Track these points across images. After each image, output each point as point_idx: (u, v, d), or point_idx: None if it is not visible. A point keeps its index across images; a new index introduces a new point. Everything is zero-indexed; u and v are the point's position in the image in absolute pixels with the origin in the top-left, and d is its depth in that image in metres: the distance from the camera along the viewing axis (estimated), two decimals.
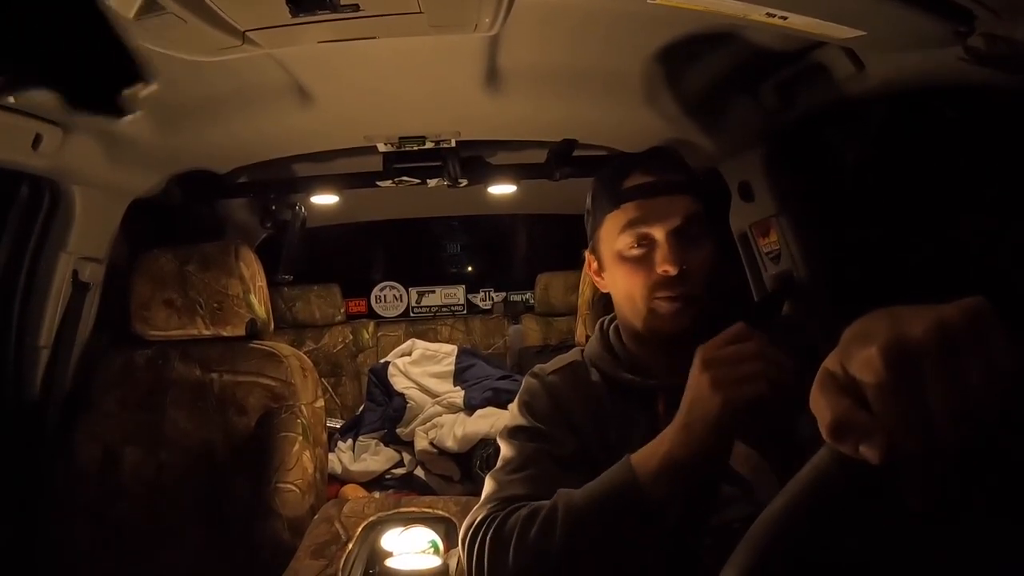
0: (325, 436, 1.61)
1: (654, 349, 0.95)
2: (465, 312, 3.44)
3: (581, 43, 1.18)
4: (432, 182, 1.76)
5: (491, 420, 2.16)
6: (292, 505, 1.42)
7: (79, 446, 1.49)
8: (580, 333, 1.39)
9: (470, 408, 2.31)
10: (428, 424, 2.30)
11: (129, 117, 1.34)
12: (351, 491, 2.08)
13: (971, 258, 1.26)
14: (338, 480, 2.15)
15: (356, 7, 0.87)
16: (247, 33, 0.92)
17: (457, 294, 3.46)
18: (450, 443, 2.14)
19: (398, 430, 2.34)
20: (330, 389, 3.06)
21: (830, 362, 0.40)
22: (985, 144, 1.19)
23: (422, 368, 2.58)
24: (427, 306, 3.43)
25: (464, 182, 1.76)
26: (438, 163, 1.69)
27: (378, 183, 1.76)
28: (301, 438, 1.48)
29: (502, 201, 2.47)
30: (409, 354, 2.70)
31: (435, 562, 1.17)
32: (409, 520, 1.32)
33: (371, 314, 3.37)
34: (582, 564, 0.73)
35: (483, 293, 3.52)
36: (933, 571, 0.48)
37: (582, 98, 1.38)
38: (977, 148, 1.22)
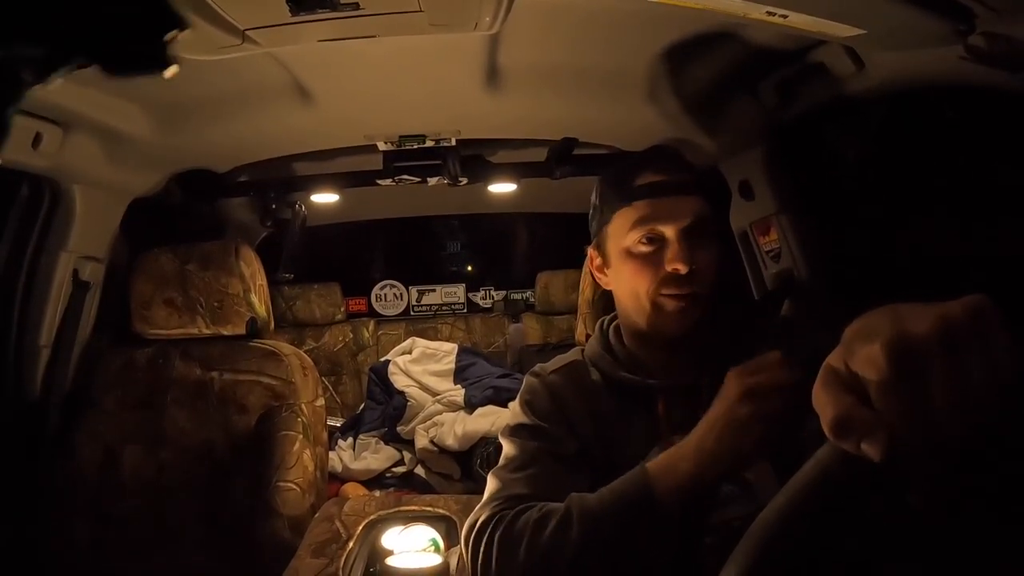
0: (325, 435, 1.61)
1: (655, 348, 0.95)
2: (465, 311, 3.44)
3: (581, 42, 1.18)
4: (432, 181, 1.76)
5: (491, 418, 2.17)
6: (293, 504, 1.42)
7: (80, 445, 1.49)
8: (580, 332, 1.39)
9: (470, 406, 2.31)
10: (428, 422, 2.30)
11: (129, 116, 1.34)
12: (351, 490, 2.08)
13: (971, 256, 1.26)
14: (338, 479, 2.15)
15: (356, 6, 0.86)
16: (247, 32, 0.92)
17: (457, 293, 3.46)
18: (450, 441, 2.14)
19: (398, 428, 2.34)
20: (330, 388, 3.06)
21: (833, 359, 0.40)
22: (985, 143, 1.19)
23: (422, 366, 2.59)
24: (427, 305, 3.43)
25: (464, 181, 1.76)
26: (438, 162, 1.69)
27: (378, 182, 1.76)
28: (301, 437, 1.48)
29: (502, 200, 2.47)
30: (409, 352, 2.70)
31: (436, 560, 1.17)
32: (409, 518, 1.32)
33: (371, 313, 3.37)
34: (593, 567, 0.73)
35: (483, 292, 3.52)
36: (934, 570, 0.48)
37: (582, 97, 1.38)
38: (977, 147, 1.22)
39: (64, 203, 1.49)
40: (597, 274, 1.02)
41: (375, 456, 2.24)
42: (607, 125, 1.56)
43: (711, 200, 0.94)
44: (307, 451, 1.48)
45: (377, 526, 1.32)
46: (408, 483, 2.17)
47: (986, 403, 0.36)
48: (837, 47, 1.04)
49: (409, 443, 2.30)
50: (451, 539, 1.25)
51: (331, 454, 2.17)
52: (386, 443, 2.31)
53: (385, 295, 3.42)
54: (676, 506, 0.71)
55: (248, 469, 1.46)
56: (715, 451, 0.69)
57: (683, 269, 0.87)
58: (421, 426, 2.30)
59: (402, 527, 1.26)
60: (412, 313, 3.42)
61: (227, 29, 0.90)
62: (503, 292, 3.48)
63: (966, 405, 0.36)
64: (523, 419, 0.95)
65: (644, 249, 0.90)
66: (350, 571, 1.20)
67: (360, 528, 1.30)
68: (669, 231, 0.89)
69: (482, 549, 0.79)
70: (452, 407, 2.35)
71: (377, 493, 2.05)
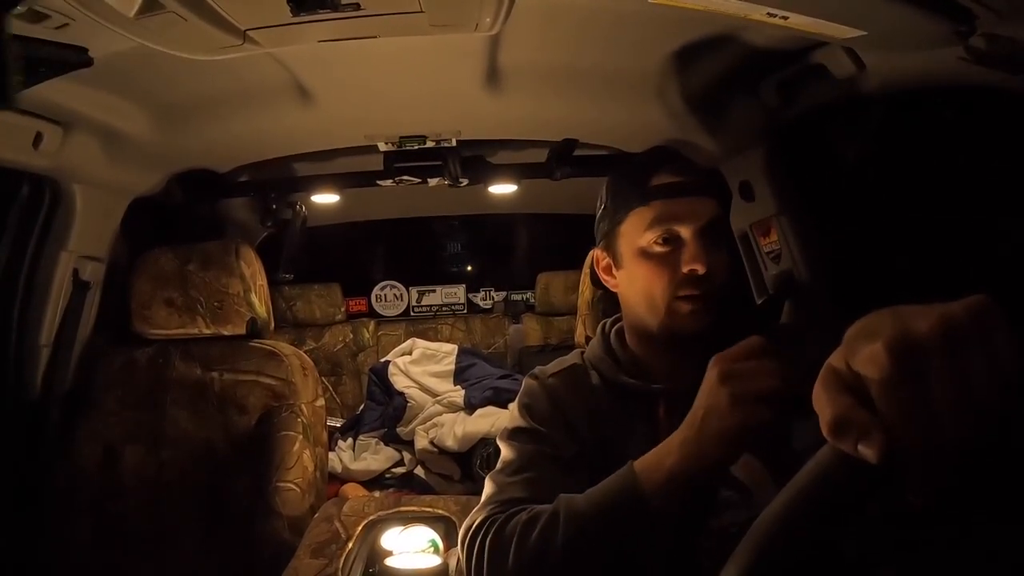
0: (325, 435, 1.61)
1: (662, 350, 0.95)
2: (465, 311, 3.43)
3: (582, 43, 1.18)
4: (433, 181, 1.76)
5: (491, 419, 2.17)
6: (292, 504, 1.42)
7: (80, 445, 1.49)
8: (580, 333, 1.39)
9: (470, 407, 2.31)
10: (428, 423, 2.30)
11: (130, 115, 1.34)
12: (351, 490, 2.08)
13: (972, 257, 1.25)
14: (338, 479, 2.15)
15: (357, 6, 0.86)
16: (248, 32, 0.92)
17: (457, 293, 3.46)
18: (450, 442, 2.14)
19: (398, 429, 2.34)
20: (330, 388, 3.06)
21: (834, 359, 0.40)
22: (986, 144, 1.19)
23: (422, 367, 2.59)
24: (427, 305, 3.43)
25: (465, 181, 1.76)
26: (439, 162, 1.69)
27: (379, 182, 1.77)
28: (301, 437, 1.48)
29: (503, 200, 2.47)
30: (409, 353, 2.70)
31: (435, 561, 1.17)
32: (409, 519, 1.32)
33: (371, 313, 3.37)
34: (582, 569, 0.72)
35: (484, 292, 3.52)
36: (933, 571, 0.48)
37: (583, 97, 1.38)
38: (978, 148, 1.21)
39: (64, 203, 1.49)
40: (604, 276, 1.01)
41: (375, 457, 2.24)
42: (607, 126, 1.56)
43: (722, 201, 0.94)
44: (307, 451, 1.48)
45: (376, 527, 1.32)
46: (408, 484, 2.18)
47: (987, 403, 0.36)
48: (837, 48, 1.04)
49: (409, 444, 2.30)
50: (450, 540, 1.25)
51: (331, 455, 2.17)
52: (386, 444, 2.31)
53: (385, 296, 3.42)
54: (665, 503, 0.70)
55: (248, 469, 1.46)
56: (699, 440, 0.68)
57: (701, 269, 0.86)
58: (421, 427, 2.30)
59: (401, 528, 1.26)
60: (412, 314, 3.42)
61: (228, 29, 0.90)
62: (503, 293, 3.48)
63: (967, 405, 0.36)
64: (521, 423, 0.94)
65: (660, 249, 0.90)
66: (349, 571, 1.20)
67: (359, 529, 1.30)
68: (686, 231, 0.89)
69: (475, 552, 0.79)
70: (452, 408, 2.35)
71: (377, 494, 2.05)
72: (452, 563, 1.16)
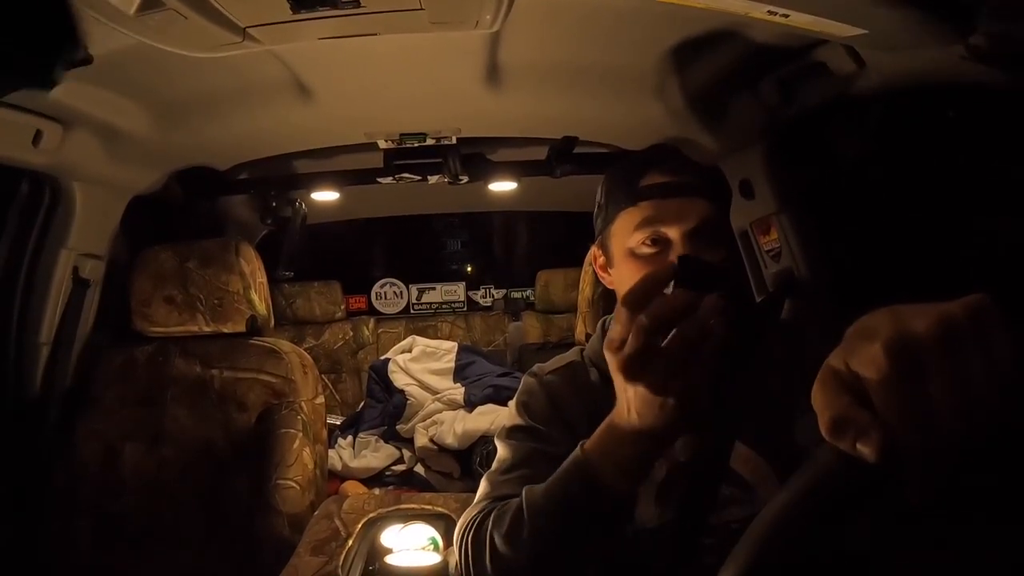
0: (325, 433, 1.61)
1: None
2: (465, 309, 3.44)
3: (582, 40, 1.18)
4: (433, 179, 1.76)
5: (491, 417, 2.17)
6: (292, 501, 1.43)
7: (80, 443, 1.49)
8: (580, 331, 1.39)
9: (470, 405, 2.31)
10: (428, 421, 2.31)
11: (130, 113, 1.34)
12: (351, 488, 2.08)
13: (972, 256, 1.25)
14: (338, 477, 2.15)
15: (357, 3, 0.86)
16: (248, 29, 0.91)
17: (457, 291, 3.46)
18: (450, 440, 2.15)
19: (398, 427, 2.35)
20: (330, 386, 3.06)
21: (833, 359, 0.40)
22: (986, 143, 1.19)
23: (422, 365, 2.59)
24: (427, 303, 3.43)
25: (465, 179, 1.76)
26: (439, 160, 1.69)
27: (379, 180, 1.77)
28: (301, 434, 1.48)
29: (503, 198, 2.47)
30: (409, 351, 2.70)
31: (435, 559, 1.17)
32: (409, 517, 1.32)
33: (371, 311, 3.38)
34: (552, 556, 0.72)
35: (483, 290, 3.52)
36: (932, 571, 0.48)
37: (583, 95, 1.38)
38: (978, 147, 1.21)
39: (64, 200, 1.49)
40: (600, 272, 1.02)
41: (375, 454, 2.24)
42: (608, 123, 1.55)
43: (718, 201, 0.93)
44: (307, 449, 1.48)
45: (376, 524, 1.32)
46: (408, 481, 2.18)
47: (985, 402, 0.36)
48: (838, 46, 1.04)
49: (409, 441, 2.30)
50: (450, 537, 1.25)
51: (331, 452, 2.17)
52: (386, 441, 2.32)
53: (385, 293, 3.43)
54: (610, 470, 0.68)
55: (248, 467, 1.46)
56: (624, 399, 0.64)
57: None
58: (421, 424, 2.30)
59: (401, 525, 1.26)
60: (412, 311, 3.42)
61: (228, 26, 0.90)
62: (503, 290, 3.48)
63: (966, 404, 0.36)
64: (519, 421, 0.94)
65: (648, 251, 0.89)
66: (349, 569, 1.20)
67: (359, 526, 1.30)
68: (674, 233, 0.88)
69: (461, 550, 0.79)
70: (452, 405, 2.35)
71: (376, 491, 2.05)
72: (452, 561, 1.16)
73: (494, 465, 0.92)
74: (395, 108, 1.45)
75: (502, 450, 0.92)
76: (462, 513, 0.86)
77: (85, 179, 1.49)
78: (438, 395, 2.41)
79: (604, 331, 1.03)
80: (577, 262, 1.65)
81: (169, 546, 1.43)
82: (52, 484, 1.46)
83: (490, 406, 2.26)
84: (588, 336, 1.09)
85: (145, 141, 1.44)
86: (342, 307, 3.20)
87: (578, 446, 0.73)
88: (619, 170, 0.97)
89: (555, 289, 3.02)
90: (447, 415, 2.29)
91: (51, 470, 1.47)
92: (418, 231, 4.00)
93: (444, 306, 3.43)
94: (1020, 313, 0.38)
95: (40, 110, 1.24)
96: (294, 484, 1.44)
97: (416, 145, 1.62)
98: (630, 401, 0.63)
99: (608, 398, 0.94)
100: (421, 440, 2.23)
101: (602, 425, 0.70)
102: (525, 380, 1.01)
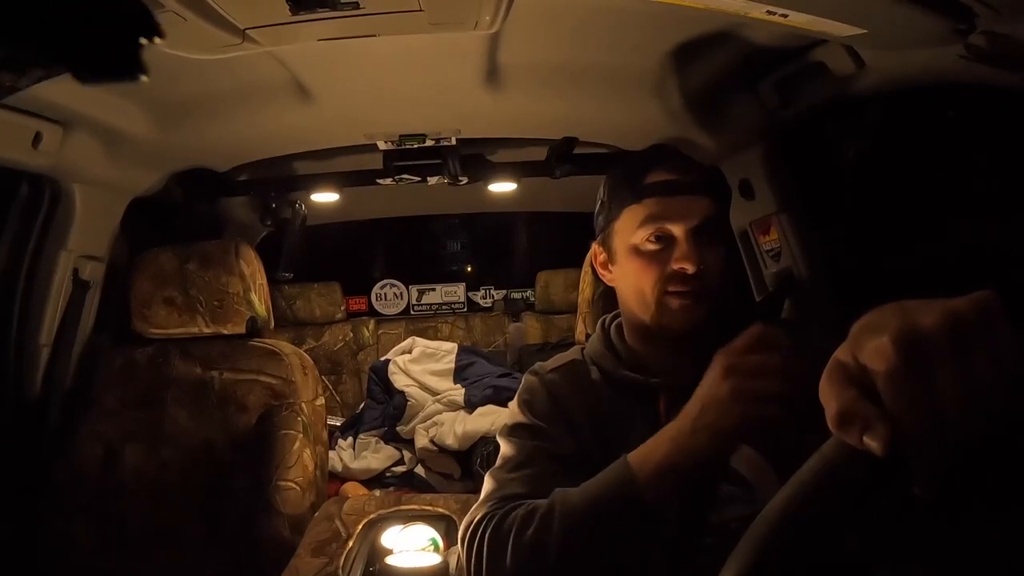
0: (325, 434, 1.61)
1: (658, 346, 0.95)
2: (465, 310, 3.43)
3: (582, 40, 1.18)
4: (432, 180, 1.76)
5: (491, 418, 2.17)
6: (293, 503, 1.43)
7: (80, 444, 1.49)
8: (580, 331, 1.39)
9: (470, 406, 2.31)
10: (428, 422, 2.30)
11: (129, 115, 1.34)
12: (351, 489, 2.08)
13: (971, 255, 1.26)
14: (338, 478, 2.15)
15: (356, 5, 0.86)
16: (247, 31, 0.92)
17: (457, 292, 3.45)
18: (450, 441, 2.14)
19: (398, 428, 2.34)
20: (330, 387, 3.06)
21: (840, 353, 0.41)
22: (986, 142, 1.19)
23: (422, 366, 2.58)
24: (427, 304, 3.43)
25: (464, 180, 1.76)
26: (438, 161, 1.69)
27: (378, 181, 1.77)
28: (302, 436, 1.48)
29: (502, 199, 2.47)
30: (409, 352, 2.70)
31: (435, 560, 1.17)
32: (409, 518, 1.32)
33: (371, 312, 3.37)
34: (579, 563, 0.73)
35: (483, 291, 3.51)
36: (937, 567, 0.48)
37: (583, 95, 1.38)
38: (977, 146, 1.22)
39: (64, 202, 1.49)
40: (601, 270, 1.02)
41: (375, 455, 2.24)
42: (607, 124, 1.56)
43: (720, 200, 0.94)
44: (307, 450, 1.48)
45: (377, 525, 1.32)
46: (408, 482, 2.17)
47: (992, 397, 0.36)
48: (837, 46, 1.04)
49: (409, 442, 2.30)
50: (450, 538, 1.25)
51: (331, 453, 2.17)
52: (386, 442, 2.31)
53: (385, 294, 3.42)
54: (658, 495, 0.70)
55: (248, 468, 1.46)
56: (693, 432, 0.68)
57: (691, 269, 0.87)
58: (421, 425, 2.30)
59: (402, 526, 1.26)
60: (412, 312, 3.41)
61: (227, 28, 0.90)
62: (503, 291, 3.47)
63: (973, 398, 0.36)
64: (521, 419, 0.95)
65: (651, 247, 0.90)
66: (350, 570, 1.20)
67: (360, 527, 1.30)
68: (678, 230, 0.89)
69: (474, 548, 0.79)
70: (452, 406, 2.35)
71: (377, 492, 2.05)
72: (452, 561, 1.16)
73: (498, 462, 0.92)
74: (395, 109, 1.45)
75: (505, 447, 0.93)
76: (462, 514, 0.86)
77: (85, 181, 1.49)
78: (438, 396, 2.40)
79: (604, 329, 1.03)
80: (577, 263, 1.65)
81: (169, 547, 1.42)
82: (52, 485, 1.46)
83: (490, 407, 2.25)
84: (588, 336, 1.09)
85: (145, 143, 1.44)
86: (342, 308, 3.20)
87: (622, 456, 0.74)
88: (624, 168, 0.98)
89: (555, 290, 3.02)
90: (447, 416, 2.29)
91: (51, 471, 1.47)
92: (418, 232, 3.99)
93: (444, 307, 3.42)
94: (1020, 312, 0.38)
95: (40, 112, 1.24)
96: (294, 485, 1.44)
97: (416, 146, 1.62)
98: (712, 425, 0.67)
99: (608, 396, 0.94)
100: (421, 441, 2.23)
101: (657, 439, 0.73)
102: (527, 379, 1.01)
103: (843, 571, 0.47)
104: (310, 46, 1.03)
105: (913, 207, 1.38)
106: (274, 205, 2.04)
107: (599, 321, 1.07)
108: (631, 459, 0.74)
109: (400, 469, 2.22)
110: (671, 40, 1.17)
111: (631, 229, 0.92)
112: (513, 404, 0.99)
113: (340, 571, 1.19)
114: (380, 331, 3.24)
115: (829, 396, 0.40)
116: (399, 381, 2.51)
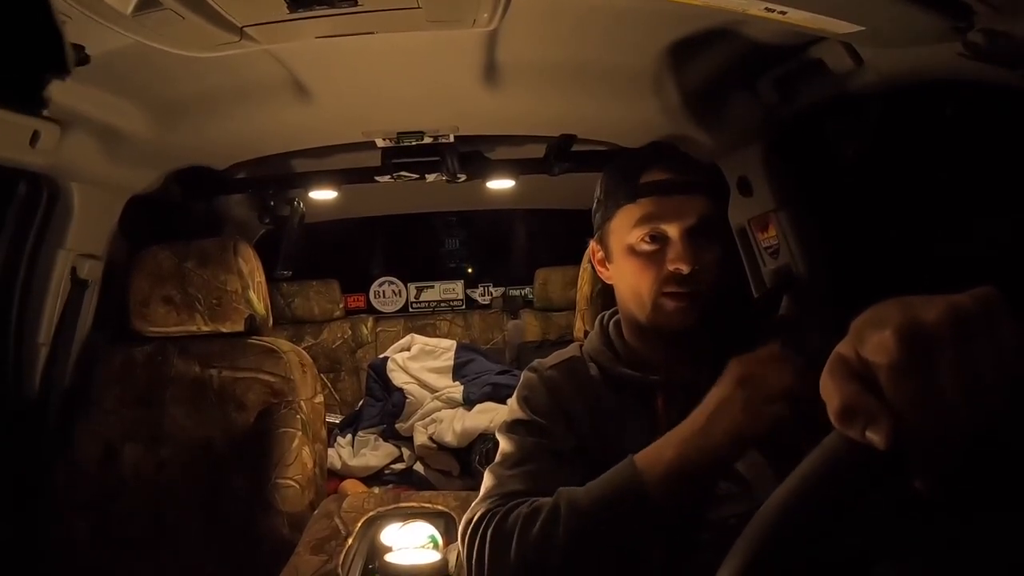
0: (324, 431, 1.61)
1: (655, 344, 0.95)
2: (464, 307, 3.43)
3: (579, 38, 1.18)
4: (431, 177, 1.76)
5: (490, 415, 2.17)
6: (291, 501, 1.43)
7: (79, 443, 1.49)
8: (579, 328, 1.39)
9: (469, 403, 2.31)
10: (427, 419, 2.31)
11: (127, 113, 1.34)
12: (350, 486, 2.08)
13: (970, 253, 1.26)
14: (337, 475, 2.15)
15: (354, 2, 0.86)
16: (245, 29, 0.91)
17: (456, 289, 3.46)
18: (449, 438, 2.15)
19: (397, 425, 2.34)
20: (329, 385, 3.06)
21: (842, 347, 0.41)
22: (984, 140, 1.19)
23: (421, 363, 2.59)
24: (426, 301, 3.43)
25: (463, 177, 1.76)
26: (436, 158, 1.69)
27: (376, 178, 1.76)
28: (300, 434, 1.48)
29: (501, 196, 2.47)
30: (408, 349, 2.70)
31: (434, 557, 1.17)
32: (408, 515, 1.32)
33: (370, 309, 3.37)
34: (584, 563, 0.73)
35: (482, 288, 3.52)
36: (937, 563, 0.48)
37: (581, 93, 1.38)
38: (976, 144, 1.22)
39: (62, 201, 1.49)
40: (599, 267, 1.02)
41: (374, 453, 2.24)
42: (605, 121, 1.56)
43: (717, 199, 0.94)
44: (306, 448, 1.48)
45: (376, 523, 1.32)
46: (407, 480, 2.18)
47: (995, 391, 0.36)
48: (835, 43, 1.04)
49: (408, 440, 2.30)
50: (450, 535, 1.25)
51: (330, 451, 2.17)
52: (385, 440, 2.32)
53: (384, 292, 3.42)
54: (665, 496, 0.71)
55: (247, 466, 1.46)
56: (705, 435, 0.70)
57: (685, 269, 0.87)
58: (420, 423, 2.30)
59: (401, 523, 1.26)
60: (411, 310, 3.42)
61: (225, 26, 0.90)
62: (502, 288, 3.48)
63: (975, 393, 0.36)
64: (520, 415, 0.95)
65: (647, 247, 0.90)
66: (349, 568, 1.20)
67: (359, 525, 1.30)
68: (672, 231, 0.89)
69: (476, 545, 0.79)
70: (451, 404, 2.35)
71: (376, 490, 2.05)
72: (452, 558, 1.17)
73: (497, 459, 0.92)
74: (393, 107, 1.45)
75: (504, 444, 0.93)
76: (461, 511, 0.86)
77: (83, 179, 1.48)
78: (437, 393, 2.40)
79: (602, 327, 1.03)
80: (575, 260, 1.65)
81: (169, 545, 1.43)
82: (52, 484, 1.46)
83: (489, 404, 2.25)
84: (587, 333, 1.10)
85: (143, 141, 1.44)
86: (340, 306, 3.20)
87: (628, 457, 0.75)
88: (619, 166, 0.98)
89: (553, 287, 3.02)
90: (446, 413, 2.29)
91: (50, 470, 1.47)
92: (416, 230, 3.99)
93: (443, 304, 3.42)
94: (1020, 311, 0.38)
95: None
96: (293, 483, 1.44)
97: (414, 143, 1.62)
98: (724, 430, 0.69)
99: (607, 393, 0.95)
100: (420, 438, 2.23)
101: (665, 441, 0.74)
102: (525, 375, 1.01)
103: (844, 565, 0.47)
104: (308, 44, 1.03)
105: (911, 204, 1.38)
106: (272, 203, 2.04)
107: (597, 318, 1.07)
108: (638, 460, 0.74)
109: (399, 466, 2.23)
110: (669, 37, 1.17)
111: (626, 229, 0.92)
112: (512, 401, 0.99)
113: (339, 569, 1.19)
114: (379, 329, 3.24)
115: (831, 390, 0.40)
116: (398, 378, 2.51)
